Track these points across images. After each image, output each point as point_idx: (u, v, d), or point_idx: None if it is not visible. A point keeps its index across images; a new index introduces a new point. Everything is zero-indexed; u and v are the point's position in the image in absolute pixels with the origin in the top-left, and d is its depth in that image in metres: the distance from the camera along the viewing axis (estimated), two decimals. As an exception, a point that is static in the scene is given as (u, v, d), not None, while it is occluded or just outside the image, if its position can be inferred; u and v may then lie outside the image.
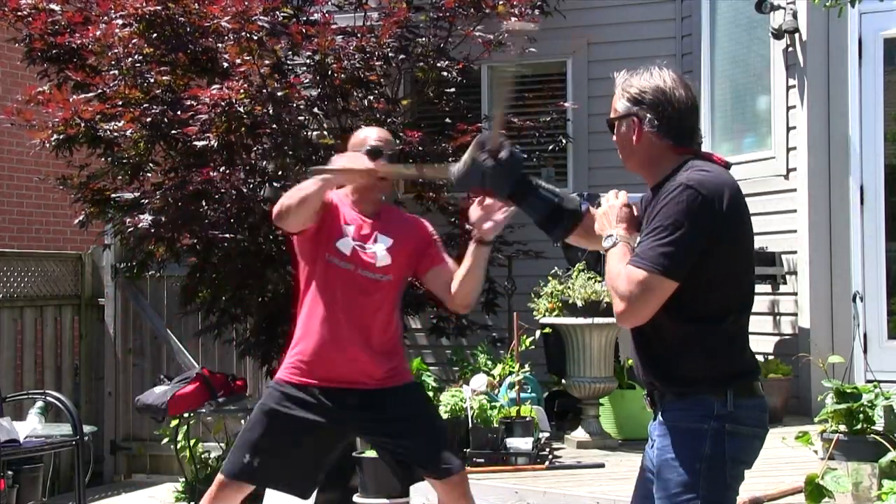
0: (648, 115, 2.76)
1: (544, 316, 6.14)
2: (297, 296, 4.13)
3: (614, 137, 2.87)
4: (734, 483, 2.71)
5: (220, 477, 4.04)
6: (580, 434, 6.07)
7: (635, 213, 2.86)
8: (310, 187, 3.84)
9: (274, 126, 6.49)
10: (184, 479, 7.05)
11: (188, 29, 6.87)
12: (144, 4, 6.73)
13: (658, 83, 2.77)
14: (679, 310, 2.64)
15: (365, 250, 4.01)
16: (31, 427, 5.53)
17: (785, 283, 6.97)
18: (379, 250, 4.03)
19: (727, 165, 2.81)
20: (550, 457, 5.69)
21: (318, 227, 3.98)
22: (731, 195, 2.67)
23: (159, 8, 6.74)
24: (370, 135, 4.13)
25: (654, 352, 2.73)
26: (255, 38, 6.53)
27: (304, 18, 7.08)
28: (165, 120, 6.65)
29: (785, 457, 5.10)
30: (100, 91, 6.97)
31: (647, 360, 2.77)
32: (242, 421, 4.26)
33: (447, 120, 7.55)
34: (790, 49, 6.85)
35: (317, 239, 4.00)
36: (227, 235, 6.55)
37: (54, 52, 7.42)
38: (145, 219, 6.55)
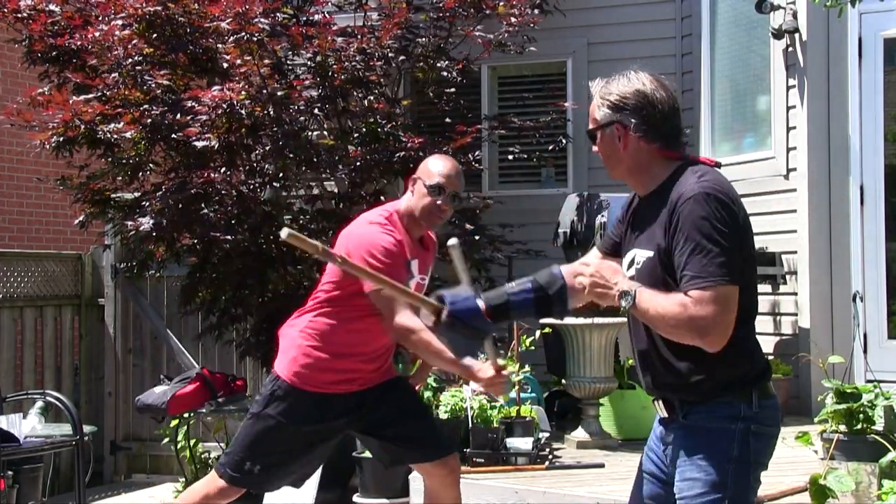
0: (633, 121, 2.69)
1: (544, 316, 6.13)
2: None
3: (595, 149, 2.79)
4: (756, 485, 2.70)
5: (220, 482, 4.07)
6: (580, 434, 6.07)
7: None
8: (439, 361, 3.84)
9: (274, 127, 6.49)
10: (184, 479, 7.03)
11: (188, 29, 6.86)
12: (144, 5, 6.73)
13: (638, 87, 2.70)
14: None
15: (420, 282, 4.09)
16: (31, 427, 5.53)
17: (785, 283, 6.97)
18: (424, 280, 4.14)
19: (718, 166, 2.77)
20: (550, 457, 5.69)
21: None
22: (739, 198, 2.66)
23: (159, 8, 6.74)
24: (436, 169, 4.00)
25: (682, 360, 2.65)
26: (256, 39, 6.53)
27: (305, 19, 7.08)
28: (166, 121, 6.65)
29: (785, 457, 5.06)
30: (100, 92, 6.97)
31: (672, 369, 2.68)
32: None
33: (447, 120, 7.55)
34: (790, 49, 6.85)
35: None
36: (228, 236, 6.55)
37: (54, 53, 7.42)
38: (146, 222, 6.54)
